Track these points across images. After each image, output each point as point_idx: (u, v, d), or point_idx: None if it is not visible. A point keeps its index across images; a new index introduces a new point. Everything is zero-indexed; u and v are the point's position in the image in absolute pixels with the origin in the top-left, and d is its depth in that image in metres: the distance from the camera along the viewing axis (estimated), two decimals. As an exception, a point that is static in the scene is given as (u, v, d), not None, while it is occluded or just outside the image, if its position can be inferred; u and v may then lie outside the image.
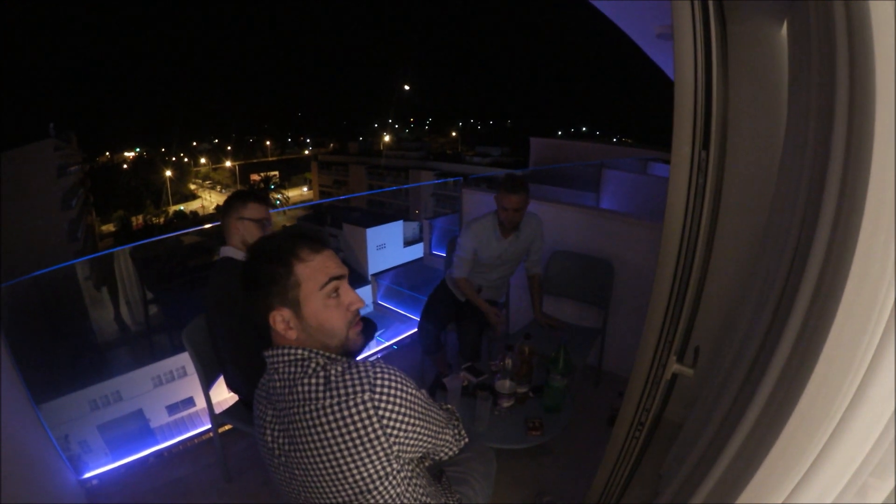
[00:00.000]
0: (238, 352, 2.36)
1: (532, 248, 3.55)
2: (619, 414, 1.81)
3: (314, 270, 1.26)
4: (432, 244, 8.01)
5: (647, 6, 3.72)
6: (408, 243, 21.75)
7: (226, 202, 2.51)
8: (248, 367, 2.33)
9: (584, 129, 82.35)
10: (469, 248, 3.39)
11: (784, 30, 2.18)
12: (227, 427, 3.14)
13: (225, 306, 2.31)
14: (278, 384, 1.26)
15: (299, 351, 1.25)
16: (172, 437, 3.31)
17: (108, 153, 61.86)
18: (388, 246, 22.15)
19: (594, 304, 3.84)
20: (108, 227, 47.53)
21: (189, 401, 10.14)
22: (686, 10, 1.28)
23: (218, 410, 2.59)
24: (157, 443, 3.18)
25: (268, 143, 74.99)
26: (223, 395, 2.76)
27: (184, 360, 8.87)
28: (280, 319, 1.24)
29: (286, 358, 1.25)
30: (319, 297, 1.25)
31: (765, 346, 1.67)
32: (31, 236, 23.64)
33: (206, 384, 2.49)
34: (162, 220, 48.22)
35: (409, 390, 1.23)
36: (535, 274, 3.60)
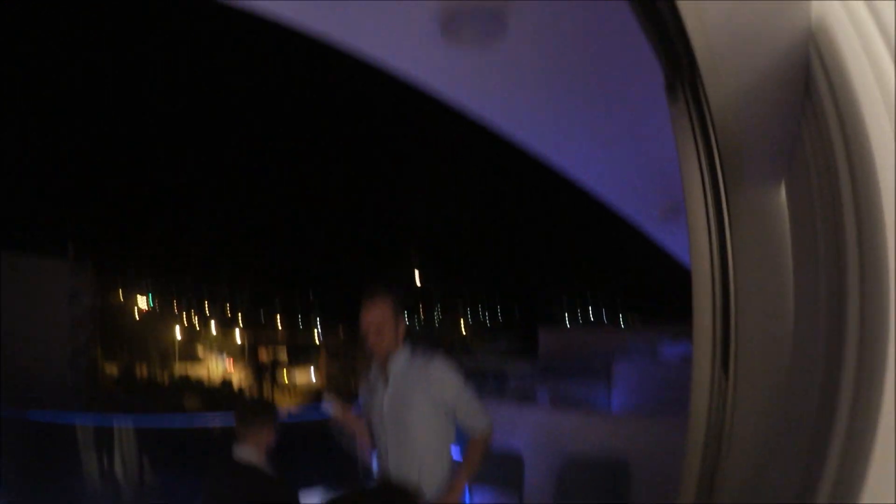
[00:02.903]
0: None
1: (446, 401, 2.42)
2: None
3: None
4: None
5: (648, 188, 3.92)
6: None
7: (248, 413, 2.79)
8: None
9: (590, 312, 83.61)
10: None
11: (783, 191, 2.24)
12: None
13: None
14: None
15: None
16: None
17: (120, 294, 62.99)
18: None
19: None
20: (111, 367, 47.26)
21: None
22: (699, 198, 1.34)
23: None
24: None
25: (278, 322, 76.14)
26: None
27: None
28: None
29: None
30: None
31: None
32: (33, 359, 23.40)
33: None
34: (166, 376, 47.89)
35: None
36: (474, 434, 2.48)
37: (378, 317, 2.37)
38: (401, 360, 2.45)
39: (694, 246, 1.47)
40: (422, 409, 2.35)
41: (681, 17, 1.24)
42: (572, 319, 69.91)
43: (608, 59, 2.36)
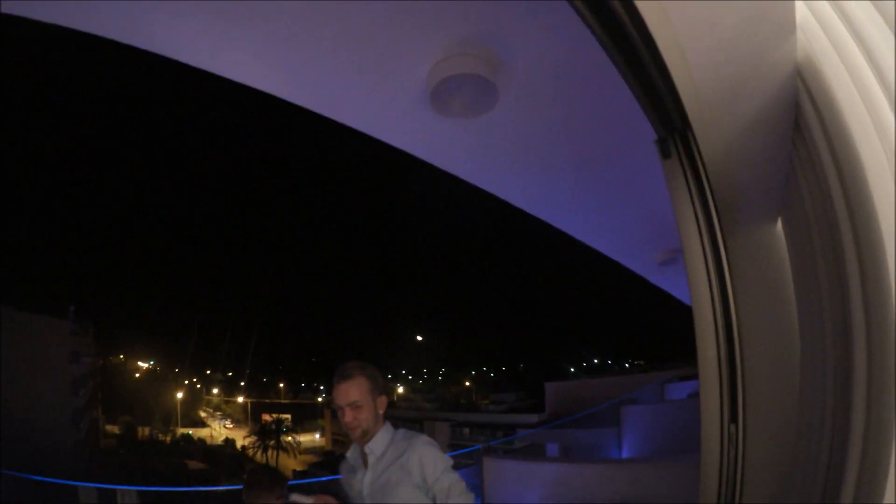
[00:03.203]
0: None
1: (429, 485, 2.21)
2: None
3: None
4: None
5: (645, 237, 3.94)
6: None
7: (256, 483, 2.81)
8: None
9: (595, 360, 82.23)
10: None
11: (779, 226, 2.25)
12: None
13: None
14: None
15: None
16: None
17: (122, 356, 62.09)
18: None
19: None
20: (113, 429, 46.09)
21: None
22: (696, 246, 1.39)
23: None
24: None
25: (281, 385, 74.89)
26: None
27: None
28: None
29: None
30: None
31: None
32: (30, 411, 22.72)
33: None
34: (168, 438, 46.68)
35: None
36: None
37: (353, 396, 2.21)
38: (381, 441, 2.29)
39: (695, 295, 1.46)
40: (404, 493, 2.17)
41: (671, 76, 1.28)
42: (577, 370, 68.69)
43: (599, 120, 2.41)
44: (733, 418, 1.44)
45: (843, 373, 1.21)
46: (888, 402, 0.91)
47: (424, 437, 2.29)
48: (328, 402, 64.91)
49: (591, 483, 3.95)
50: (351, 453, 2.42)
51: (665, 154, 1.50)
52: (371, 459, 2.26)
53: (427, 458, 2.19)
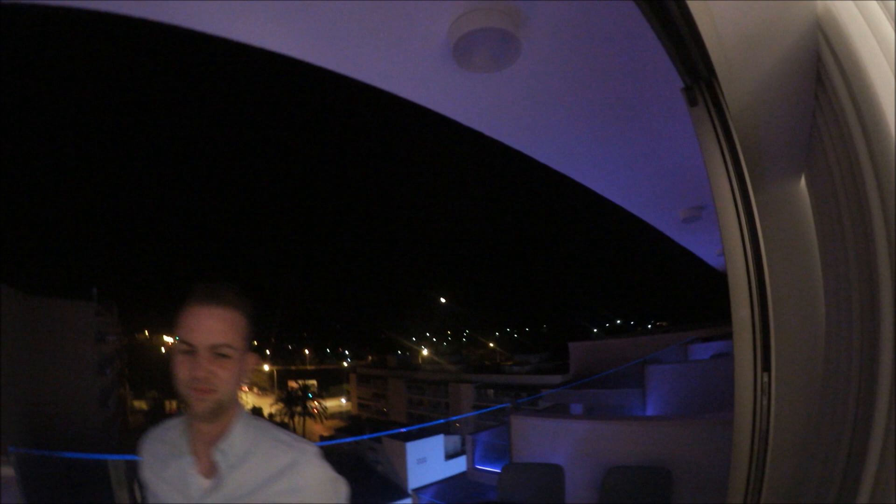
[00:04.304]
0: None
1: None
2: None
3: None
4: (475, 459, 7.83)
5: (669, 193, 3.90)
6: (449, 456, 21.04)
7: None
8: None
9: (618, 321, 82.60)
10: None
11: (803, 183, 2.23)
12: None
13: None
14: None
15: None
16: None
17: (147, 332, 63.52)
18: (428, 460, 21.39)
19: None
20: (141, 405, 47.69)
21: None
22: (727, 196, 1.38)
23: None
24: None
25: (307, 351, 76.20)
26: None
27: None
28: None
29: None
30: None
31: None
32: (60, 393, 23.50)
33: None
34: None
35: None
36: None
37: (220, 334, 1.26)
38: (241, 437, 1.32)
39: (727, 243, 1.47)
40: None
41: (695, 23, 1.28)
42: (600, 330, 68.99)
43: (622, 75, 2.36)
44: (766, 367, 1.46)
45: (870, 328, 1.21)
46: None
47: (313, 449, 1.35)
48: (354, 367, 66.17)
49: (617, 440, 4.00)
50: (168, 443, 1.38)
51: (692, 101, 1.50)
52: (223, 467, 1.27)
53: (325, 492, 1.32)
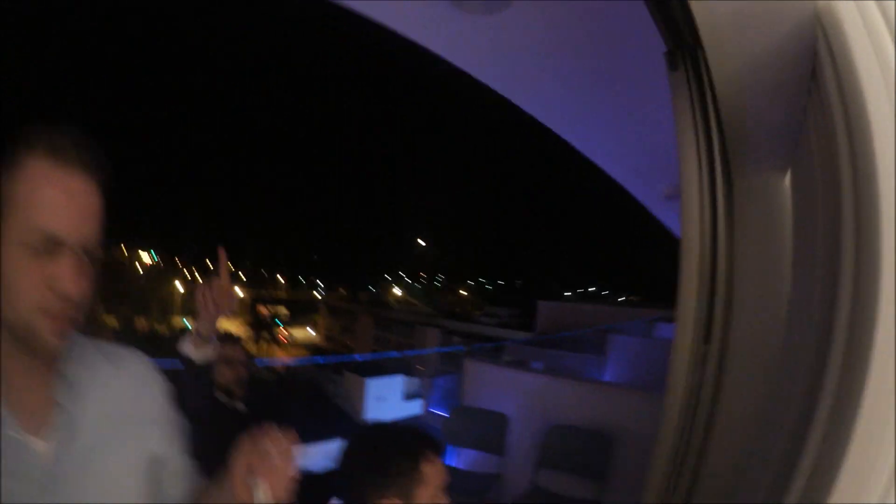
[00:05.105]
0: None
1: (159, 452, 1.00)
2: None
3: (437, 474, 1.34)
4: (431, 403, 8.00)
5: (654, 167, 3.89)
6: (408, 397, 21.48)
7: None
8: None
9: (591, 288, 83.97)
10: None
11: (787, 179, 2.21)
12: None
13: None
14: None
15: None
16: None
17: (123, 249, 62.86)
18: (387, 399, 21.79)
19: (590, 479, 3.67)
20: (112, 320, 47.52)
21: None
22: (693, 170, 1.32)
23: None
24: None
25: (280, 278, 76.44)
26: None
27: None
28: None
29: None
30: (431, 498, 1.32)
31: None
32: None
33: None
34: (165, 329, 47.97)
35: None
36: None
37: (90, 222, 0.83)
38: (85, 356, 0.95)
39: (685, 207, 1.47)
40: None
41: None
42: (574, 295, 70.08)
43: (615, 34, 2.32)
44: (707, 340, 1.51)
45: (825, 333, 1.19)
46: (862, 365, 0.94)
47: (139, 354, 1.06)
48: (325, 299, 66.64)
49: (565, 399, 4.08)
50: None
51: (672, 66, 1.47)
52: (67, 405, 0.87)
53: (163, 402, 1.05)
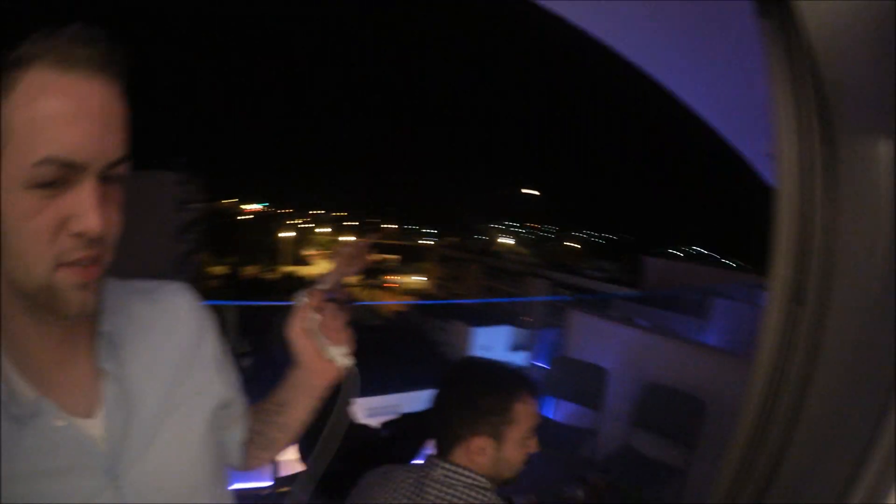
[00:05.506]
0: None
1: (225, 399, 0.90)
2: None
3: (529, 415, 1.31)
4: (534, 355, 7.98)
5: (761, 125, 3.68)
6: (514, 349, 21.49)
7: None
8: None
9: (702, 250, 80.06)
10: None
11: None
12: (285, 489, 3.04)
13: None
14: (432, 494, 1.26)
15: (482, 479, 1.28)
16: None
17: (234, 199, 66.59)
18: (493, 348, 21.84)
19: (682, 444, 3.65)
20: (220, 269, 49.79)
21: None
22: (789, 125, 1.29)
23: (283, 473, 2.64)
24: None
25: (392, 226, 78.15)
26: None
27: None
28: (479, 446, 1.27)
29: (468, 480, 1.27)
30: (521, 440, 1.30)
31: None
32: (137, 256, 25.69)
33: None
34: (272, 276, 49.06)
35: None
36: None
37: (119, 142, 0.64)
38: (122, 303, 0.79)
39: (781, 170, 1.37)
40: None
41: None
42: (686, 255, 66.93)
43: None
44: (800, 301, 1.40)
45: None
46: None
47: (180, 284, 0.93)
48: (435, 247, 67.55)
49: (672, 359, 4.00)
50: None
51: (763, 13, 1.32)
52: (113, 370, 0.72)
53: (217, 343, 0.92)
